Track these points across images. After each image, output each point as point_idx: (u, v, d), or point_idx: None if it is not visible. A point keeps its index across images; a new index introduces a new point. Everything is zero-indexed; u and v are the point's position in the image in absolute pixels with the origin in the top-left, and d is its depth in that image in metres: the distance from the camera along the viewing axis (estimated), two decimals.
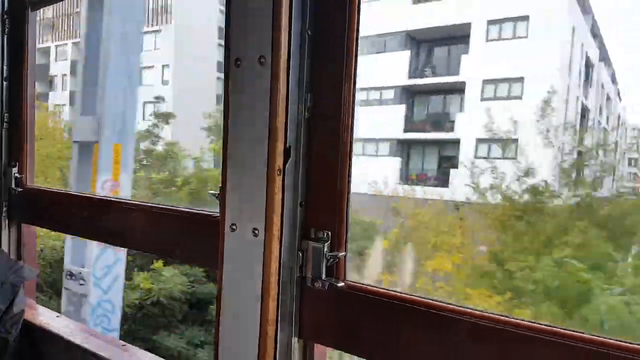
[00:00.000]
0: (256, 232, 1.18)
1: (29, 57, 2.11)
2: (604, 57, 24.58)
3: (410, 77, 17.26)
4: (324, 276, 1.18)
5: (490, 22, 16.01)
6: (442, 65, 17.34)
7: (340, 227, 1.18)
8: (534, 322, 0.96)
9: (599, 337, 0.90)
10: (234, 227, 1.22)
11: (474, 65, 16.20)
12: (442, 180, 15.99)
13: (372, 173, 14.78)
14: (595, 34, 21.15)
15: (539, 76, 14.45)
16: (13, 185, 2.13)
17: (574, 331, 0.93)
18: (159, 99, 18.73)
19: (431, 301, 1.09)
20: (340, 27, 1.15)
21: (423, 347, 1.09)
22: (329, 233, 1.18)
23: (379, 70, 16.65)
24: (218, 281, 1.28)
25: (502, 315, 1.00)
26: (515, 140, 13.37)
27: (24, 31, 2.10)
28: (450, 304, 1.06)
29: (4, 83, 2.16)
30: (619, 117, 28.16)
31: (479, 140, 15.10)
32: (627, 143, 28.56)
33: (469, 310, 1.03)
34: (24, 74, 2.11)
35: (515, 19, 15.82)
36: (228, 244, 1.24)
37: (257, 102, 1.17)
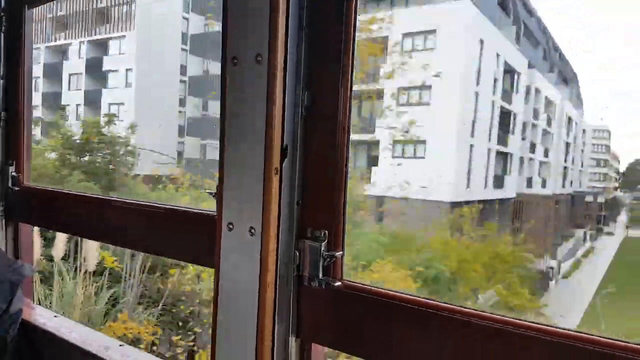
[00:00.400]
0: (253, 231, 1.18)
1: (25, 55, 2.10)
2: (543, 64, 26.19)
3: None
4: (321, 275, 1.18)
5: (406, 35, 17.39)
6: (367, 74, 18.50)
7: (337, 226, 1.18)
8: (534, 323, 0.97)
9: (604, 337, 0.90)
10: (231, 226, 1.22)
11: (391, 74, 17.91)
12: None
13: None
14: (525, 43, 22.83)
15: (444, 85, 16.44)
16: (10, 184, 2.13)
17: (575, 331, 0.93)
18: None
19: (428, 300, 1.09)
20: (337, 25, 1.15)
21: (420, 346, 1.09)
22: (326, 232, 1.18)
23: None
24: (215, 280, 1.28)
25: (500, 315, 1.01)
26: (424, 142, 15.91)
27: (21, 29, 2.08)
28: (447, 303, 1.06)
29: (1, 81, 2.15)
30: (570, 120, 29.81)
31: (396, 142, 16.60)
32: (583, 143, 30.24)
33: (466, 309, 1.04)
34: (20, 72, 2.09)
35: (425, 33, 17.22)
36: (225, 243, 1.24)
37: (254, 101, 1.17)
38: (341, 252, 1.18)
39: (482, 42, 17.87)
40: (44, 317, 2.00)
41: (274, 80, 1.14)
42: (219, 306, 1.27)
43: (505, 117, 21.15)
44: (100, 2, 21.40)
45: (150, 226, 1.66)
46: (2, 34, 2.14)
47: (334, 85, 1.16)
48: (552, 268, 22.35)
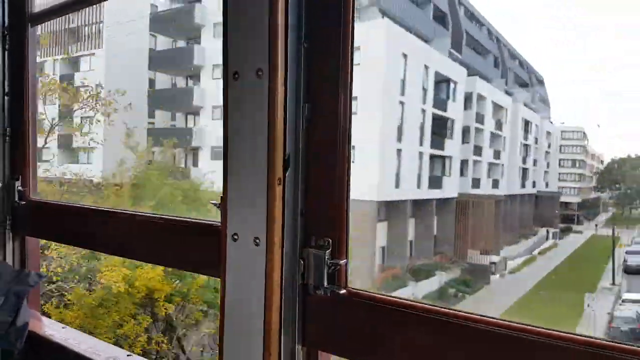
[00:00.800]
0: (257, 241, 1.19)
1: (29, 72, 2.13)
2: (494, 71, 28.08)
3: None
4: (325, 283, 1.19)
5: None
6: None
7: (341, 234, 1.19)
8: (549, 329, 0.97)
9: (596, 339, 0.92)
10: (236, 236, 1.23)
11: None
12: None
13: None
14: (469, 52, 24.64)
15: (369, 96, 18.36)
16: (16, 199, 2.15)
17: (574, 334, 0.95)
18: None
19: (433, 307, 1.09)
20: (336, 38, 1.16)
21: (425, 352, 1.10)
22: (330, 241, 1.18)
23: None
24: (221, 290, 1.28)
25: (505, 321, 1.01)
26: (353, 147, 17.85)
27: (25, 46, 2.11)
28: (452, 309, 1.07)
29: (6, 98, 2.18)
30: (528, 123, 31.28)
31: None
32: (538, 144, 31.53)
33: (473, 315, 1.04)
34: (25, 88, 2.12)
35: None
36: (230, 253, 1.25)
37: (256, 114, 1.19)
38: (345, 260, 1.19)
39: (405, 56, 19.78)
40: (51, 328, 2.01)
41: (275, 94, 1.15)
42: (225, 316, 1.27)
43: (441, 123, 22.93)
44: (72, 22, 22.87)
45: (156, 237, 1.67)
46: (7, 52, 2.17)
47: (334, 97, 1.17)
48: (494, 263, 23.86)
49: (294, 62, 1.19)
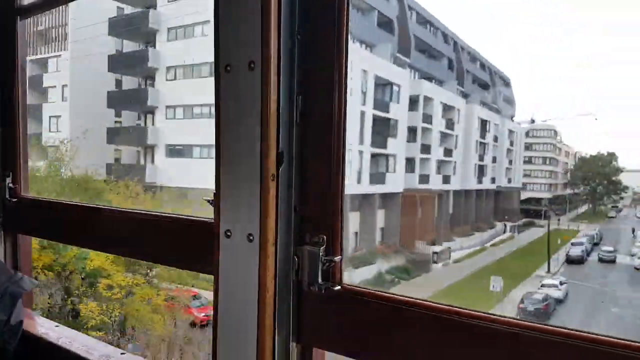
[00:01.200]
0: (251, 237, 1.18)
1: (19, 66, 2.08)
2: (448, 74, 29.56)
3: None
4: (320, 280, 1.17)
5: None
6: None
7: (335, 231, 1.17)
8: (546, 325, 0.96)
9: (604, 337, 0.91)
10: (229, 232, 1.22)
11: None
12: None
13: (203, 172, 19.42)
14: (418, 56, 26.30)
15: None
16: (7, 196, 2.11)
17: (577, 331, 0.93)
18: None
19: (428, 302, 1.09)
20: (330, 30, 1.15)
21: (420, 348, 1.09)
22: (324, 237, 1.17)
23: (205, 90, 21.51)
24: (214, 287, 1.26)
25: (502, 317, 1.00)
26: None
27: (14, 40, 2.07)
28: (447, 305, 1.06)
29: None
30: (485, 122, 32.62)
31: None
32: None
33: (468, 311, 1.04)
34: (15, 83, 2.08)
35: None
36: (223, 250, 1.23)
37: (248, 108, 1.16)
38: (340, 257, 1.18)
39: (366, 72, 21.09)
40: (45, 327, 2.00)
41: (268, 87, 1.13)
42: (219, 313, 1.26)
43: (383, 124, 24.27)
44: (40, 25, 23.05)
45: (148, 234, 1.66)
46: None
47: (328, 90, 1.15)
48: (436, 253, 25.24)
49: (287, 54, 1.17)
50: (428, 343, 1.09)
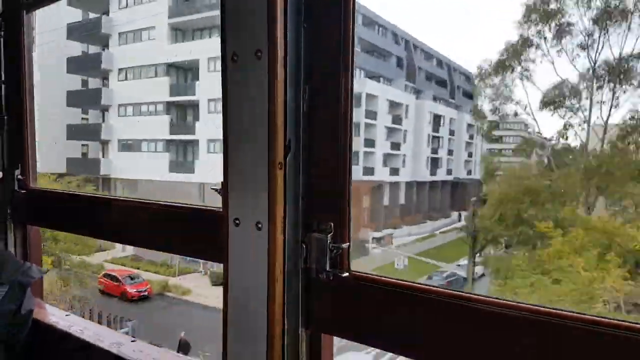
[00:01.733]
0: (260, 225, 1.19)
1: (26, 59, 2.09)
2: (397, 71, 31.39)
3: (170, 95, 24.60)
4: (328, 267, 1.19)
5: (210, 59, 22.81)
6: (189, 87, 23.95)
7: (343, 218, 1.18)
8: (570, 312, 0.96)
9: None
10: (237, 221, 1.23)
11: (204, 88, 23.43)
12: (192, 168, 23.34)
13: (150, 164, 21.51)
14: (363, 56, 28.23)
15: None
16: (16, 187, 2.13)
17: (594, 316, 0.93)
18: None
19: (436, 288, 1.09)
20: (336, 20, 1.14)
21: (428, 334, 1.10)
22: (332, 224, 1.18)
23: (152, 90, 24.20)
24: (224, 275, 1.28)
25: (510, 301, 1.01)
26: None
27: (20, 33, 2.07)
28: (456, 290, 1.07)
29: (2, 86, 2.15)
30: (438, 117, 34.01)
31: (209, 140, 22.54)
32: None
33: (477, 296, 1.04)
34: (21, 76, 2.09)
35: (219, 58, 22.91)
36: (232, 238, 1.25)
37: (255, 97, 1.17)
38: (348, 244, 1.19)
39: None
40: (55, 316, 2.02)
41: (275, 75, 1.13)
42: (229, 301, 1.28)
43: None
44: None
45: (157, 224, 1.67)
46: (1, 39, 2.14)
47: (334, 79, 1.15)
48: (376, 239, 26.93)
49: (294, 43, 1.17)
50: (436, 328, 1.09)
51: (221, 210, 1.28)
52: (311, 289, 1.24)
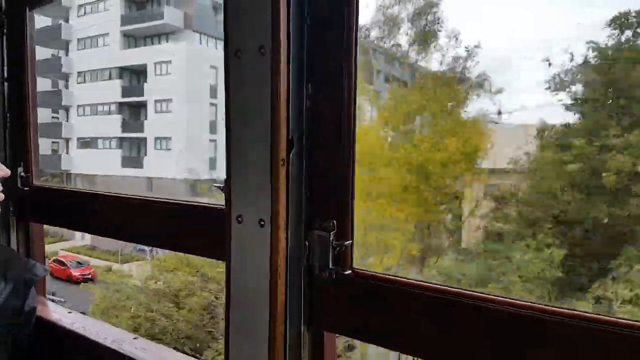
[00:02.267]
0: (262, 222, 1.18)
1: (29, 56, 2.09)
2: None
3: (122, 96, 27.28)
4: (331, 265, 1.18)
5: (157, 63, 24.94)
6: (139, 89, 26.17)
7: (346, 215, 1.18)
8: (573, 310, 0.94)
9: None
10: (240, 218, 1.22)
11: (151, 90, 26.05)
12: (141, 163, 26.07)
13: (105, 160, 23.81)
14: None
15: (181, 97, 24.51)
16: (19, 185, 2.13)
17: (595, 314, 0.91)
18: None
19: (442, 286, 1.09)
20: (339, 16, 1.14)
21: (431, 332, 1.09)
22: (335, 222, 1.17)
23: (107, 91, 26.85)
24: (226, 273, 1.28)
25: (521, 301, 0.99)
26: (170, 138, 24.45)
27: (23, 31, 2.07)
28: (461, 289, 1.06)
29: (5, 84, 2.15)
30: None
31: (157, 138, 25.55)
32: None
33: (487, 295, 1.03)
34: (25, 74, 2.09)
35: (164, 62, 24.69)
36: (235, 236, 1.24)
37: (258, 93, 1.16)
38: (350, 242, 1.18)
39: (216, 68, 24.85)
40: (58, 313, 2.03)
41: (278, 72, 1.13)
42: (231, 298, 1.27)
43: None
44: None
45: (160, 221, 1.67)
46: (5, 37, 2.14)
47: (337, 76, 1.15)
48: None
49: (297, 40, 1.16)
50: (440, 327, 1.08)
51: (224, 207, 1.28)
52: (314, 287, 1.23)
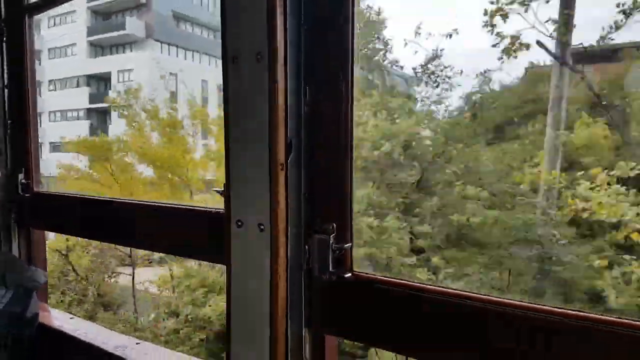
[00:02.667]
0: (262, 227, 1.19)
1: (29, 63, 2.10)
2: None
3: (90, 102, 28.41)
4: (331, 268, 1.19)
5: (120, 71, 26.44)
6: (105, 96, 27.87)
7: (345, 218, 1.18)
8: (553, 307, 0.96)
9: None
10: (240, 222, 1.23)
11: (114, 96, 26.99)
12: None
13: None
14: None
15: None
16: (20, 191, 2.14)
17: (601, 315, 0.92)
18: None
19: (439, 288, 1.09)
20: (336, 21, 1.15)
21: (431, 334, 1.10)
22: (334, 225, 1.18)
23: (75, 98, 28.11)
24: (227, 277, 1.28)
25: (523, 302, 1.00)
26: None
27: (23, 37, 2.08)
28: (460, 290, 1.07)
29: (5, 90, 2.16)
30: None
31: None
32: None
33: (487, 297, 1.03)
34: (25, 80, 2.10)
35: (127, 70, 26.14)
36: (235, 240, 1.25)
37: (256, 99, 1.17)
38: (350, 244, 1.19)
39: (175, 74, 26.18)
40: (60, 319, 2.03)
41: (275, 78, 1.14)
42: (232, 302, 1.28)
43: None
44: None
45: (161, 225, 1.67)
46: (4, 44, 2.15)
47: (334, 80, 1.16)
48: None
49: (294, 45, 1.17)
50: (439, 329, 1.09)
51: (224, 211, 1.28)
52: (314, 290, 1.24)
